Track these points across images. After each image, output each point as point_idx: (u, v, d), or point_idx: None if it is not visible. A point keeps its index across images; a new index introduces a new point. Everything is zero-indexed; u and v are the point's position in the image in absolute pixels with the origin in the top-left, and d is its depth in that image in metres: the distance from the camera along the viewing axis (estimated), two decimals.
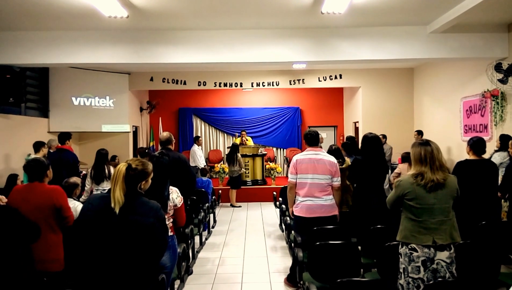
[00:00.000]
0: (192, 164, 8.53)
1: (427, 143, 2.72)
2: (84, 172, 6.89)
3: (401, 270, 2.71)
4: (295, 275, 3.90)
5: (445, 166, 2.70)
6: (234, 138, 11.18)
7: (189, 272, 4.53)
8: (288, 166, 5.41)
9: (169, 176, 3.04)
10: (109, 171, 5.40)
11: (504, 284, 3.05)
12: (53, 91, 8.61)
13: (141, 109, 11.03)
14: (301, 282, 3.51)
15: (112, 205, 2.13)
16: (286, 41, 6.37)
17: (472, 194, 3.87)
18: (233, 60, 6.44)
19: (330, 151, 4.72)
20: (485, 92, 6.58)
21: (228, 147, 9.64)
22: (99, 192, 5.26)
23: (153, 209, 2.21)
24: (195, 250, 5.17)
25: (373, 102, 10.03)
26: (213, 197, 7.35)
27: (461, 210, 3.17)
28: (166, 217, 2.57)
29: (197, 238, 5.44)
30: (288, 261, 4.82)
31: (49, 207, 3.07)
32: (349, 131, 11.49)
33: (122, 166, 2.21)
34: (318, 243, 3.21)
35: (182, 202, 3.18)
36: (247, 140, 10.32)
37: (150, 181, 2.39)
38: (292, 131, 12.25)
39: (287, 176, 4.48)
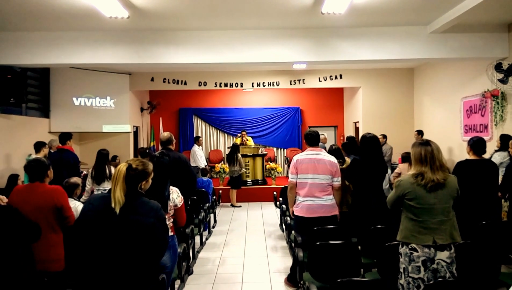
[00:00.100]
0: (192, 164, 8.53)
1: (428, 143, 2.72)
2: (84, 172, 6.89)
3: (401, 270, 2.71)
4: (296, 275, 3.90)
5: (445, 166, 2.70)
6: (234, 138, 11.19)
7: (189, 272, 4.54)
8: (289, 166, 5.41)
9: (169, 176, 3.04)
10: (110, 171, 5.40)
11: (505, 284, 3.05)
12: (54, 91, 8.63)
13: (142, 109, 11.03)
14: (302, 282, 3.52)
15: (113, 205, 2.13)
16: (286, 41, 6.37)
17: (472, 194, 3.87)
18: (234, 61, 6.45)
19: (331, 151, 4.72)
20: (485, 92, 6.58)
21: (228, 147, 9.64)
22: (99, 192, 5.27)
23: (154, 209, 2.22)
24: (196, 250, 5.17)
25: (373, 102, 10.03)
26: (214, 197, 7.35)
27: (462, 210, 3.17)
28: (166, 217, 2.57)
29: (197, 238, 5.44)
30: (289, 261, 4.82)
31: (50, 207, 3.07)
32: (349, 131, 11.49)
33: (122, 166, 2.22)
34: (318, 243, 3.21)
35: (182, 202, 3.19)
36: (247, 140, 10.33)
37: (150, 181, 2.40)
38: (293, 131, 12.25)
39: (287, 176, 4.48)
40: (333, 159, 3.98)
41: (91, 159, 6.16)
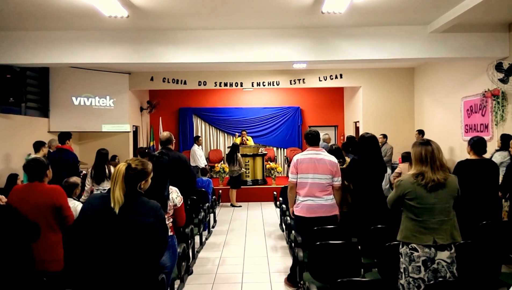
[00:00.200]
0: (192, 164, 8.52)
1: (428, 142, 2.71)
2: (84, 172, 6.89)
3: (402, 270, 2.70)
4: (296, 275, 3.89)
5: (445, 166, 2.69)
6: (234, 137, 11.18)
7: (189, 272, 4.53)
8: (289, 166, 5.41)
9: (169, 176, 3.04)
10: (109, 171, 5.39)
11: (505, 284, 3.05)
12: (53, 91, 8.62)
13: (141, 109, 11.03)
14: (302, 282, 3.51)
15: (112, 205, 2.13)
16: (286, 40, 6.36)
17: (473, 193, 3.87)
18: (233, 60, 6.44)
19: (331, 151, 4.72)
20: (485, 91, 6.57)
21: (228, 147, 9.64)
22: (99, 192, 5.25)
23: (153, 209, 2.21)
24: (195, 250, 5.16)
25: (373, 101, 10.03)
26: (213, 197, 7.34)
27: (462, 209, 3.16)
28: (166, 217, 2.56)
29: (197, 238, 5.43)
30: (289, 261, 4.81)
31: (49, 206, 3.07)
32: (349, 131, 11.48)
33: (121, 166, 2.21)
34: (318, 243, 3.20)
35: (182, 201, 3.18)
36: (247, 139, 10.32)
37: (149, 180, 2.39)
38: (293, 131, 12.25)
39: (287, 176, 4.47)
40: (333, 159, 3.97)
41: (90, 159, 6.15)
